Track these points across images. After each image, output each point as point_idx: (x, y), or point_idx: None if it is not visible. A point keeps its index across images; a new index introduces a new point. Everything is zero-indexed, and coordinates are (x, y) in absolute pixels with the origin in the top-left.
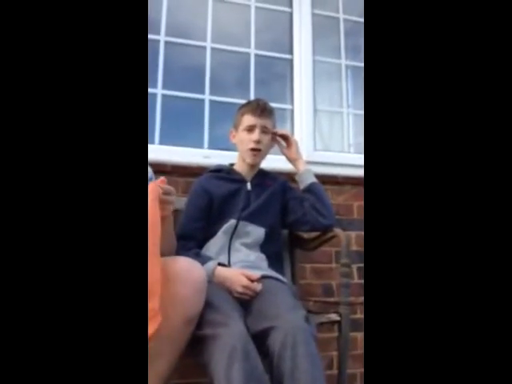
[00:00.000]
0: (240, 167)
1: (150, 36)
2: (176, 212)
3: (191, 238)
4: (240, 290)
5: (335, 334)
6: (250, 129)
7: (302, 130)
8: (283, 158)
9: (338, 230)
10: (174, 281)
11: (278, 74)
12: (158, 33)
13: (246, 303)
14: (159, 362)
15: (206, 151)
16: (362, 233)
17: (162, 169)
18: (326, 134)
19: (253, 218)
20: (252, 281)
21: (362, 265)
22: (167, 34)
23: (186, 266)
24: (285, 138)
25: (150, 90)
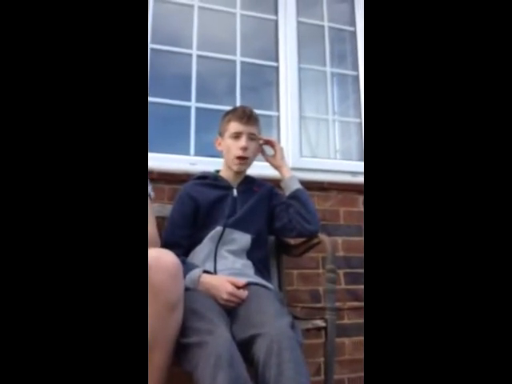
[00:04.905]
0: (226, 174)
1: None
2: (162, 219)
3: (176, 245)
4: (226, 297)
5: (322, 340)
6: (237, 136)
7: (288, 137)
8: (268, 164)
9: (323, 236)
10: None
11: (264, 81)
12: None
13: (231, 310)
14: (155, 354)
15: (192, 158)
16: (349, 238)
17: (148, 176)
18: (312, 140)
19: (239, 225)
20: (238, 288)
21: (349, 270)
22: (153, 42)
23: (155, 254)
24: (271, 144)
25: None
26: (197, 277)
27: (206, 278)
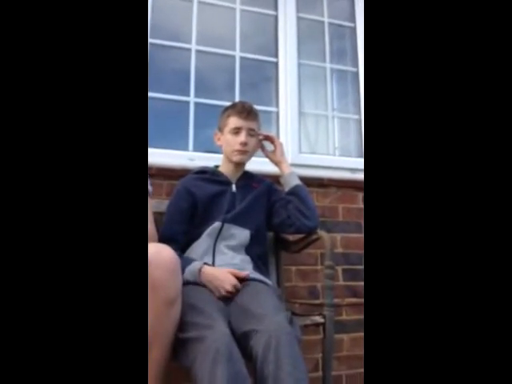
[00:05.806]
0: (225, 169)
1: None
2: (160, 215)
3: (173, 241)
4: (229, 288)
5: (321, 336)
6: (236, 131)
7: (287, 133)
8: (268, 160)
9: (322, 232)
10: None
11: (263, 76)
12: None
13: (230, 305)
14: (153, 350)
15: (191, 153)
16: (347, 235)
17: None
18: (311, 136)
19: (238, 221)
20: (240, 279)
21: (348, 267)
22: (152, 36)
23: (153, 250)
24: (270, 140)
25: None
26: (197, 269)
27: (208, 269)
